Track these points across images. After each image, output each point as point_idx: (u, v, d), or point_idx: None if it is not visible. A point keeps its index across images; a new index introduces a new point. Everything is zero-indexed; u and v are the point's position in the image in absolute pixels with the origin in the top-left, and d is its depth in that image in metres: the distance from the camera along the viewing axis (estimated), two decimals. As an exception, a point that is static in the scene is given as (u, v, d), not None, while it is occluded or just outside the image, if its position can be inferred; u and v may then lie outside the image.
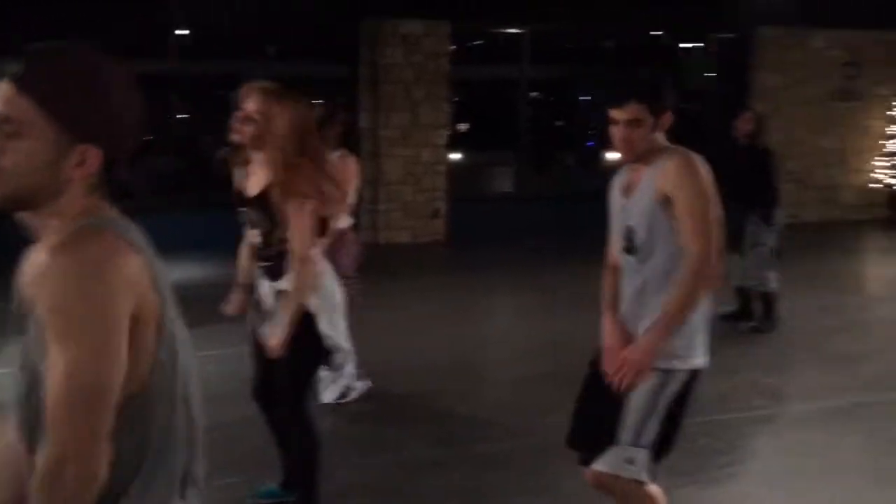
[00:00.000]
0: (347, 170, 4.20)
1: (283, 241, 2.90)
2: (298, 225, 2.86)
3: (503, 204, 10.62)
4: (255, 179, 2.96)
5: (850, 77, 11.48)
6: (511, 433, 4.06)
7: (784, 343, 5.68)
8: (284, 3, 9.36)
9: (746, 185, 5.69)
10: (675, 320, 2.39)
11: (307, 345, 2.91)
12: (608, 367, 2.48)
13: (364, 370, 4.47)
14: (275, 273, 2.97)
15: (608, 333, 2.56)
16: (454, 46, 9.73)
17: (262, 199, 2.91)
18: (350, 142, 4.69)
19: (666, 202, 2.42)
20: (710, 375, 4.77)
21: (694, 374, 2.54)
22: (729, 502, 3.46)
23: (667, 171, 2.42)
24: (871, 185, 11.82)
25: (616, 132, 2.44)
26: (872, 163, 11.78)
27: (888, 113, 11.64)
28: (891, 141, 11.60)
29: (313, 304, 2.93)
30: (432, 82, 9.52)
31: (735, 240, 5.83)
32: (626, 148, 2.46)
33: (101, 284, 1.12)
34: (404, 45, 9.38)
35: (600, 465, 2.53)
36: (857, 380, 4.91)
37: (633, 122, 2.41)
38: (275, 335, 2.88)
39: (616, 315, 2.56)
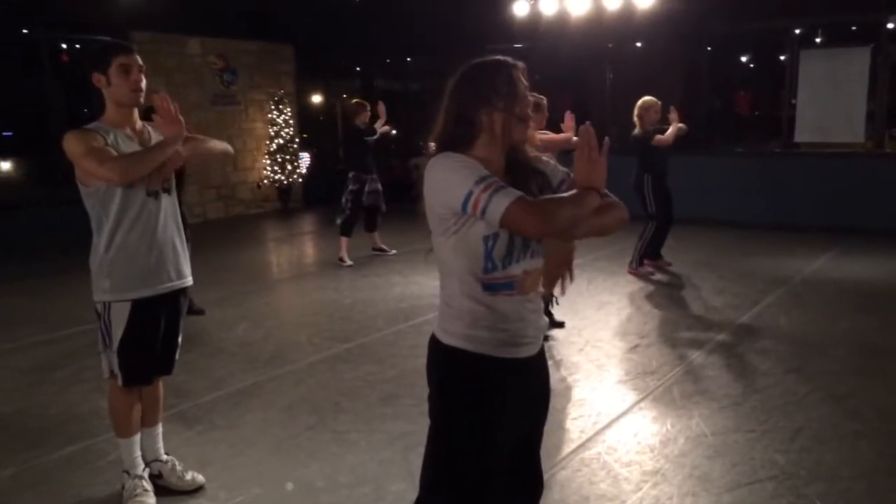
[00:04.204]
0: None
1: None
2: None
3: None
4: None
5: (227, 83, 12.35)
6: None
7: (195, 341, 5.82)
8: None
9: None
10: None
11: None
12: None
13: None
14: None
15: None
16: None
17: None
18: None
19: None
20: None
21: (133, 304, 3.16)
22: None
23: None
24: (262, 182, 13.00)
25: None
26: (262, 161, 12.95)
27: (268, 116, 12.90)
28: (273, 141, 12.90)
29: None
30: None
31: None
32: None
33: None
34: None
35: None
36: (256, 362, 5.33)
37: None
38: None
39: None
